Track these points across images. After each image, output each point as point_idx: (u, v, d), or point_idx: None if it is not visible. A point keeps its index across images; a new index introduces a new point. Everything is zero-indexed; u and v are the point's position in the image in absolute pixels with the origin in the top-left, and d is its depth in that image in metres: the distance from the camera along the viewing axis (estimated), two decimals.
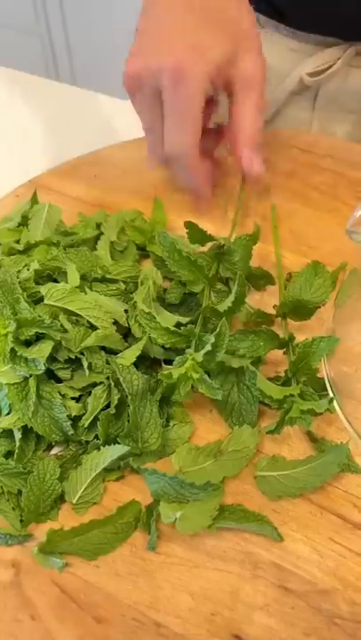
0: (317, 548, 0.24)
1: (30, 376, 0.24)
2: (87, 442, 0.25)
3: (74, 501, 0.24)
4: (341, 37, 0.41)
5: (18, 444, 0.24)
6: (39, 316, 0.24)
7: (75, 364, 0.25)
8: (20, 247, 0.30)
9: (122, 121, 0.43)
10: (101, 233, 0.31)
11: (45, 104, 0.45)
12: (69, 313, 0.25)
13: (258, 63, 0.31)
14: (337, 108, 0.43)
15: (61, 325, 0.24)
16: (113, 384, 0.25)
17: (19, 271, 0.27)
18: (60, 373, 0.25)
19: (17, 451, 0.24)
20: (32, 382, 0.24)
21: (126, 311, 0.27)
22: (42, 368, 0.24)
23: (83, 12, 1.26)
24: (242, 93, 0.31)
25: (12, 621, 0.22)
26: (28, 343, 0.24)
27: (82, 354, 0.25)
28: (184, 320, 0.27)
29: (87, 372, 0.25)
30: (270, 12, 0.42)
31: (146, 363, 0.27)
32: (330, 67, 0.41)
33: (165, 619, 0.22)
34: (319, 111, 0.44)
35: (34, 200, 0.33)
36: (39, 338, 0.24)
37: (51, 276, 0.27)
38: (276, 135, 0.40)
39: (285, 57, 0.43)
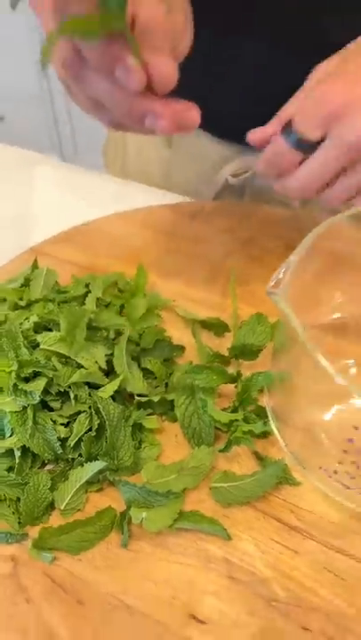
0: (260, 546, 0.29)
1: (28, 406, 0.30)
2: (73, 459, 0.30)
3: (62, 508, 0.29)
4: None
5: (17, 460, 0.29)
6: (36, 358, 0.30)
7: (64, 396, 0.31)
8: (23, 303, 0.36)
9: (110, 195, 0.50)
10: (89, 291, 0.38)
11: (45, 180, 0.53)
12: (60, 355, 0.31)
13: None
14: (267, 199, 0.50)
15: (53, 365, 0.31)
16: (94, 412, 0.31)
17: (21, 323, 0.34)
18: (52, 404, 0.31)
19: (17, 466, 0.29)
20: (30, 411, 0.30)
21: (111, 354, 0.34)
22: (37, 399, 0.30)
23: None
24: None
25: (10, 604, 0.27)
26: (26, 379, 0.31)
27: (69, 388, 0.31)
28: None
29: (73, 402, 0.31)
30: None
31: (122, 395, 0.33)
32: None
33: (134, 602, 0.27)
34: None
35: (34, 265, 0.40)
36: (36, 375, 0.31)
37: (47, 326, 0.34)
38: (237, 206, 0.48)
39: (210, 161, 0.51)
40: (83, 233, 0.45)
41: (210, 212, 0.47)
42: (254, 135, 0.34)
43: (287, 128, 0.31)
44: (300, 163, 0.32)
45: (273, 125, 0.33)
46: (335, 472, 0.28)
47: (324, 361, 0.23)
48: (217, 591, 0.27)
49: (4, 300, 0.37)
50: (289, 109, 0.33)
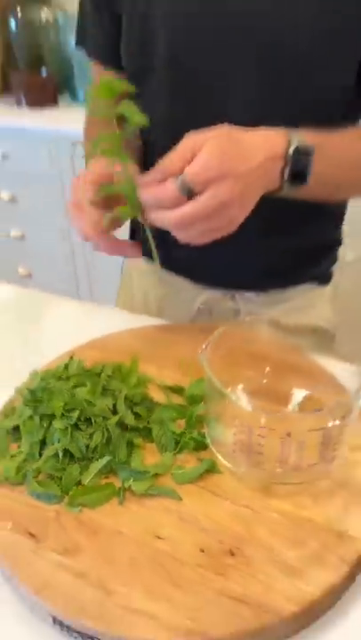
0: (198, 504, 0.50)
1: (69, 425, 0.54)
2: (92, 457, 0.53)
3: (85, 484, 0.51)
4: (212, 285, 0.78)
5: (61, 456, 0.52)
6: (74, 401, 0.55)
7: (88, 421, 0.55)
8: (65, 377, 0.61)
9: (121, 321, 0.78)
10: (103, 370, 0.63)
11: (54, 316, 0.81)
12: (87, 400, 0.56)
13: None
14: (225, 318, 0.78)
15: (83, 405, 0.55)
16: (105, 432, 0.54)
17: (67, 383, 0.58)
18: (81, 425, 0.54)
19: (61, 459, 0.52)
20: (70, 428, 0.53)
21: (115, 403, 0.58)
22: (73, 422, 0.53)
23: None
24: None
25: (53, 530, 0.48)
26: (68, 411, 0.55)
27: (92, 417, 0.55)
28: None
29: (94, 425, 0.54)
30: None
31: (121, 425, 0.56)
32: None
33: (126, 531, 0.48)
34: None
35: (70, 357, 0.66)
36: (73, 409, 0.55)
37: (80, 385, 0.58)
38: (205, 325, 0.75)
39: (183, 293, 0.80)
40: (100, 340, 0.71)
41: (181, 329, 0.74)
42: (148, 191, 0.51)
43: (178, 177, 0.48)
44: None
45: (157, 174, 0.51)
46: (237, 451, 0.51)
47: (219, 384, 0.47)
48: (171, 524, 0.49)
49: (55, 377, 0.62)
50: (175, 164, 0.50)
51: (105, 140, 0.55)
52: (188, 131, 0.51)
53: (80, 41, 0.77)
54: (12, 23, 1.94)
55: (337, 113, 0.64)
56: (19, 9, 1.93)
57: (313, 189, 0.56)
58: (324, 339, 0.82)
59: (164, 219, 0.52)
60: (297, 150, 0.52)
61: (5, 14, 1.96)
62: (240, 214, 0.52)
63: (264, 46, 0.59)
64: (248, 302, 0.80)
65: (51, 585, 0.44)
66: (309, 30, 0.57)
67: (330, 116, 0.61)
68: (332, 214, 0.79)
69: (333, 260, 0.84)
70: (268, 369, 0.60)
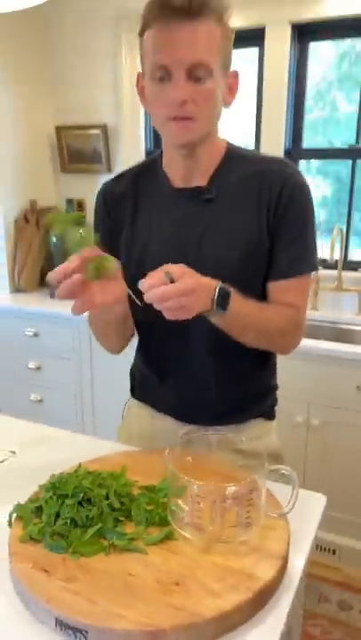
0: (157, 555, 0.74)
1: (75, 502, 0.80)
2: (90, 525, 0.78)
3: (84, 541, 0.76)
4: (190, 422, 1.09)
5: (69, 523, 0.78)
6: (80, 488, 0.82)
7: (89, 500, 0.81)
8: (76, 475, 0.89)
9: (118, 448, 1.06)
10: (102, 478, 0.90)
11: (70, 448, 1.09)
12: (88, 487, 0.83)
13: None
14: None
15: (85, 491, 0.82)
16: (99, 508, 0.80)
17: (76, 479, 0.86)
18: (83, 503, 0.80)
19: (68, 525, 0.78)
20: (76, 504, 0.80)
21: (107, 493, 0.84)
22: (79, 499, 0.80)
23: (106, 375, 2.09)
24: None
25: (53, 565, 0.72)
26: (75, 495, 0.82)
27: (91, 498, 0.81)
28: None
29: (93, 502, 0.81)
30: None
31: (111, 506, 0.82)
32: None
33: (108, 569, 0.72)
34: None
35: (78, 466, 0.93)
36: (77, 494, 0.82)
37: (86, 480, 0.86)
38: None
39: (169, 426, 1.10)
40: (101, 458, 0.99)
41: (158, 452, 1.02)
42: (144, 285, 0.79)
43: (165, 271, 0.78)
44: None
45: (156, 277, 0.79)
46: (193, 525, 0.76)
47: (175, 470, 0.76)
48: (139, 567, 0.72)
49: (67, 476, 0.90)
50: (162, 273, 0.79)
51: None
52: (155, 318, 0.86)
53: None
54: (54, 238, 2.55)
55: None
56: None
57: (229, 321, 0.88)
58: (274, 460, 1.09)
59: (155, 293, 0.78)
60: (221, 288, 0.85)
61: (49, 231, 2.59)
62: (196, 305, 0.82)
63: (207, 273, 0.95)
64: (216, 433, 1.09)
65: (57, 598, 0.68)
66: (234, 265, 0.97)
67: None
68: (270, 367, 1.13)
69: (274, 402, 1.15)
70: (215, 478, 0.87)
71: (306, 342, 1.90)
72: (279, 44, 2.19)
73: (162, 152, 1.05)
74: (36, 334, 2.37)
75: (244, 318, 0.93)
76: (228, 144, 1.01)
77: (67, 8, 2.49)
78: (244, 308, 0.92)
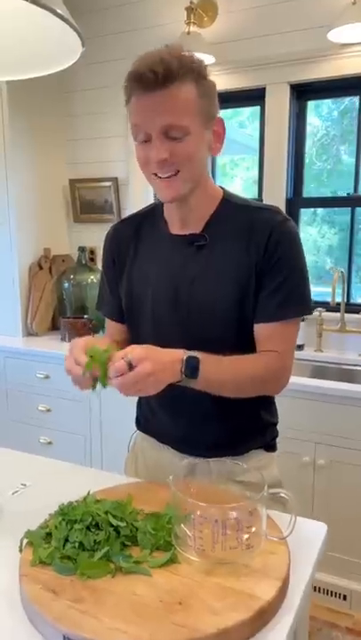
0: (163, 577, 0.77)
1: (84, 527, 0.84)
2: (98, 548, 0.82)
3: (91, 564, 0.79)
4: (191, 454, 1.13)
5: (77, 547, 0.81)
6: (87, 514, 0.86)
7: (97, 525, 0.85)
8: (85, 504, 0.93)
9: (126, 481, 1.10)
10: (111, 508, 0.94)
11: (79, 482, 1.13)
12: (96, 513, 0.86)
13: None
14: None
15: (92, 517, 0.86)
16: (107, 532, 0.84)
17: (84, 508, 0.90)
18: (92, 528, 0.84)
19: (77, 549, 0.81)
20: (84, 529, 0.83)
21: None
22: (87, 524, 0.84)
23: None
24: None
25: (62, 588, 0.75)
26: (83, 520, 0.85)
27: (99, 523, 0.85)
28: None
29: (101, 528, 0.84)
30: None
31: (118, 532, 0.86)
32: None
33: (116, 589, 0.75)
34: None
35: (87, 495, 0.97)
36: (84, 520, 0.85)
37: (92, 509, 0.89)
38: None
39: (172, 458, 1.14)
40: (108, 489, 1.03)
41: (163, 484, 1.06)
42: (110, 371, 0.89)
43: (125, 358, 0.87)
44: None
45: (119, 364, 0.88)
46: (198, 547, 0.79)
47: (179, 493, 0.80)
48: (144, 588, 0.75)
49: (77, 504, 0.93)
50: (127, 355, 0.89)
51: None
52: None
53: (98, 307, 1.28)
54: (66, 284, 2.66)
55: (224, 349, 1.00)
56: (72, 274, 2.67)
57: (204, 384, 0.95)
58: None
59: (116, 383, 0.89)
60: (189, 359, 0.93)
61: (61, 278, 2.69)
62: (158, 384, 0.91)
63: (198, 314, 1.05)
64: (217, 464, 1.12)
65: (64, 617, 0.71)
66: (223, 306, 1.03)
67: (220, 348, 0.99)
68: (267, 404, 1.17)
69: (275, 434, 1.19)
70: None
71: (311, 382, 1.95)
72: (279, 103, 2.34)
73: None
74: (47, 377, 2.43)
75: (219, 377, 0.99)
76: (225, 192, 1.10)
77: (79, 70, 2.69)
78: (217, 367, 0.97)
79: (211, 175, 1.11)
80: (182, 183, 0.99)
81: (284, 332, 1.04)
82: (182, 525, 0.81)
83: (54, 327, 2.72)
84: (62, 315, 2.67)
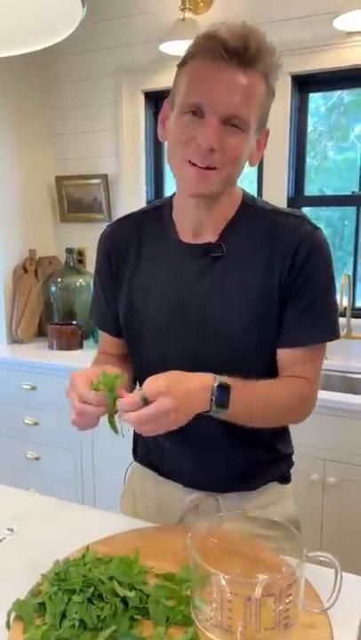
0: None
1: (85, 600, 0.69)
2: (102, 627, 0.67)
3: None
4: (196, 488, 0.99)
5: (78, 624, 0.67)
6: (90, 582, 0.71)
7: (100, 596, 0.70)
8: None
9: (125, 524, 0.95)
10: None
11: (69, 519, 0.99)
12: (100, 581, 0.72)
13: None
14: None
15: (95, 586, 0.71)
16: (113, 605, 0.69)
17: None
18: (93, 599, 0.70)
19: (77, 628, 0.67)
20: (85, 602, 0.69)
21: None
22: (88, 596, 0.69)
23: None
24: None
25: None
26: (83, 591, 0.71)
27: (103, 594, 0.70)
28: None
29: (104, 599, 0.70)
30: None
31: (125, 604, 0.71)
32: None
33: None
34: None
35: (86, 549, 0.83)
36: (86, 590, 0.71)
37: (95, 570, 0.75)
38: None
39: (176, 494, 1.00)
40: (110, 538, 0.88)
41: (172, 529, 0.92)
42: (123, 401, 0.78)
43: (140, 392, 0.76)
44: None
45: (132, 399, 0.77)
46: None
47: (201, 561, 0.65)
48: None
49: (74, 564, 0.79)
50: (145, 389, 0.77)
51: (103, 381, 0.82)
52: (152, 371, 0.81)
53: (91, 317, 1.10)
54: (53, 287, 2.49)
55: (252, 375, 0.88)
56: (59, 277, 2.50)
57: (232, 415, 0.82)
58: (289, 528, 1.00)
59: (129, 418, 0.77)
60: (219, 385, 0.80)
61: (48, 281, 2.53)
62: (178, 420, 0.78)
63: (210, 334, 0.91)
64: (226, 499, 0.99)
65: None
66: (241, 327, 0.89)
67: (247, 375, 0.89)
68: (284, 434, 1.04)
69: (290, 465, 1.06)
70: (239, 561, 0.77)
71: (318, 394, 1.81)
72: (279, 95, 2.20)
73: (172, 198, 0.99)
74: (33, 388, 2.27)
75: (249, 406, 0.86)
76: (244, 193, 0.95)
77: (66, 59, 2.52)
78: (247, 395, 0.85)
79: None
80: (218, 182, 0.85)
81: (312, 356, 0.91)
82: (204, 597, 0.67)
83: (41, 334, 2.56)
84: (49, 320, 2.51)
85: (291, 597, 0.65)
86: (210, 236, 0.92)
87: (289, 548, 0.78)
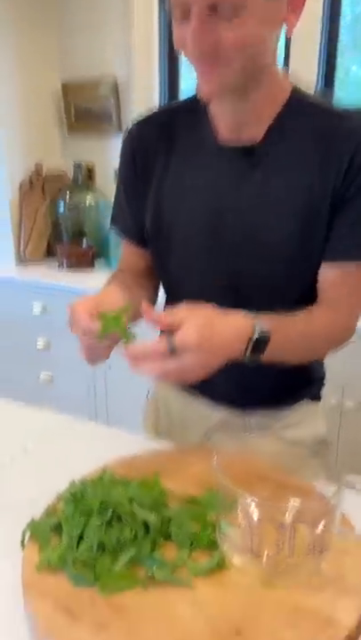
0: (208, 587, 0.60)
1: (104, 522, 0.65)
2: (121, 550, 0.63)
3: (116, 569, 0.61)
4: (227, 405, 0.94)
5: (95, 548, 0.63)
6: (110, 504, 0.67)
7: (120, 518, 0.66)
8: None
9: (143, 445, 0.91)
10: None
11: (86, 439, 0.94)
12: (121, 503, 0.68)
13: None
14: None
15: (114, 506, 0.67)
16: (132, 529, 0.65)
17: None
18: (113, 523, 0.65)
19: (95, 551, 0.63)
20: (105, 525, 0.65)
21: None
22: (107, 518, 0.65)
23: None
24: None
25: (89, 612, 0.57)
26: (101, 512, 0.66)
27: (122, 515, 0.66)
28: None
29: (124, 522, 0.66)
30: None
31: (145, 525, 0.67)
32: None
33: (138, 606, 0.57)
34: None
35: (103, 471, 0.78)
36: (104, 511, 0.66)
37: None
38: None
39: (202, 410, 0.95)
40: (128, 459, 0.84)
41: (195, 450, 0.87)
42: (150, 315, 0.72)
43: (168, 337, 0.68)
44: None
45: (161, 319, 0.72)
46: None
47: (230, 484, 0.60)
48: (186, 608, 0.58)
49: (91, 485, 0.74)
50: (165, 323, 0.71)
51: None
52: (185, 287, 0.73)
53: (113, 222, 1.00)
54: (62, 205, 2.36)
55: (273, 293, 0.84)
56: (68, 195, 2.37)
57: (265, 359, 0.76)
58: (320, 447, 0.98)
59: (152, 368, 0.70)
60: (257, 340, 0.73)
61: (56, 199, 2.40)
62: (205, 373, 0.72)
63: (250, 247, 0.82)
64: (255, 418, 0.94)
65: None
66: (280, 231, 0.80)
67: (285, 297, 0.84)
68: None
69: (322, 382, 1.01)
70: (268, 486, 0.72)
71: None
72: None
73: None
74: (44, 309, 2.21)
75: (285, 350, 0.80)
76: (294, 87, 0.82)
77: None
78: (285, 338, 0.77)
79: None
80: (230, 77, 0.72)
81: (355, 278, 0.82)
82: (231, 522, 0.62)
83: (50, 253, 2.46)
84: (58, 241, 2.41)
85: (325, 524, 0.60)
86: (252, 135, 0.81)
87: (319, 471, 0.73)
